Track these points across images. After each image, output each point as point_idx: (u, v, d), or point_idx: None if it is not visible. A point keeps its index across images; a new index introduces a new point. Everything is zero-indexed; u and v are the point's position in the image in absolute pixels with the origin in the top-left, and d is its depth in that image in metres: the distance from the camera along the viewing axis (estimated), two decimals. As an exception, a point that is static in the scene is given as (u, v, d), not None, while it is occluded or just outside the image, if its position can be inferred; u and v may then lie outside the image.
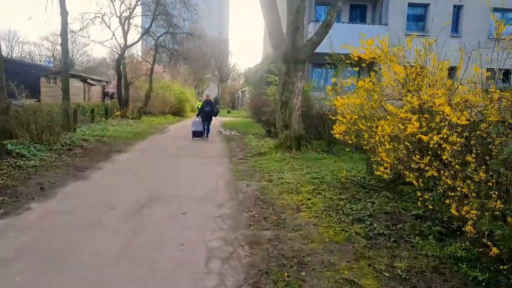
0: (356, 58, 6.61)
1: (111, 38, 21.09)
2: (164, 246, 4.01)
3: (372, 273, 3.44)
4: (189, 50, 32.42)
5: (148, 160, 9.58)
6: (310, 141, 10.92)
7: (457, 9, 19.30)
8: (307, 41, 10.45)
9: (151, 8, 22.42)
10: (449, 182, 3.82)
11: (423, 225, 4.53)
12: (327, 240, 4.23)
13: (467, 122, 3.96)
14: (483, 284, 3.23)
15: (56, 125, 11.00)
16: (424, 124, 4.03)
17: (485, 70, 4.46)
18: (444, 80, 4.75)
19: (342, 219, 4.89)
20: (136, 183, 6.89)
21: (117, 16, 20.64)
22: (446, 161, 3.93)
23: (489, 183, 3.60)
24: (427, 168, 3.94)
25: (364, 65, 6.23)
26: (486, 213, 3.60)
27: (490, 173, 3.77)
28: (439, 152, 3.98)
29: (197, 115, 15.35)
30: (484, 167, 3.72)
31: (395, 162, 4.80)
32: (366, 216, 4.96)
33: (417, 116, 4.12)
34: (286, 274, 3.37)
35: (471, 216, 3.53)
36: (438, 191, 4.48)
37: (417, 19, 19.06)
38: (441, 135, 3.87)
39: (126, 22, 21.28)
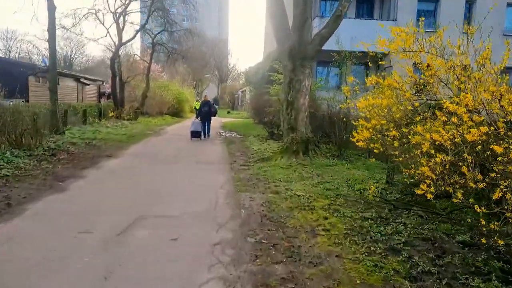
0: (373, 54, 5.82)
1: (106, 36, 20.01)
2: (145, 292, 3.05)
3: None
4: (188, 49, 31.43)
5: (140, 167, 8.60)
6: (318, 145, 9.95)
7: (469, 4, 18.35)
8: (315, 35, 9.48)
9: (147, 4, 21.43)
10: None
11: (477, 259, 3.56)
12: (358, 281, 3.26)
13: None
14: None
15: (41, 127, 10.06)
16: (488, 131, 3.07)
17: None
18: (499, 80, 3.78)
19: (372, 248, 3.91)
20: (122, 197, 5.91)
21: (111, 12, 19.67)
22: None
23: None
24: (494, 188, 2.97)
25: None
26: None
27: None
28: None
29: (197, 116, 15.08)
30: None
31: (435, 177, 3.83)
32: (401, 244, 3.99)
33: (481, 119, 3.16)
34: None
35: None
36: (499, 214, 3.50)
37: (427, 15, 18.10)
38: None
39: (121, 19, 20.33)
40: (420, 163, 3.72)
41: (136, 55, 24.94)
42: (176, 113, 30.33)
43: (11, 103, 10.67)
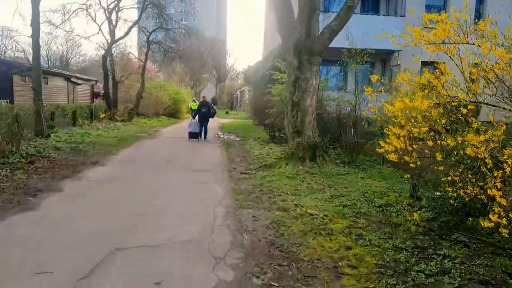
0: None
1: (98, 33, 18.95)
2: None
3: None
4: (185, 48, 30.45)
5: (127, 177, 7.63)
6: (326, 150, 9.00)
7: (480, -1, 17.44)
8: (324, 27, 8.51)
9: (142, -1, 20.43)
10: None
11: None
12: None
13: None
14: None
15: (21, 130, 9.08)
16: None
17: None
18: None
19: (419, 298, 2.98)
20: (100, 219, 4.93)
21: (102, 7, 18.65)
22: None
23: None
24: None
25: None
26: None
27: None
28: None
29: (194, 117, 14.96)
30: None
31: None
32: (456, 291, 3.05)
33: None
34: None
35: None
36: None
37: (437, 10, 17.18)
38: None
39: (114, 14, 19.32)
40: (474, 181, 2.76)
41: (130, 53, 23.92)
42: (173, 114, 29.31)
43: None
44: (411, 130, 3.67)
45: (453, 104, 3.51)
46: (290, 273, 3.48)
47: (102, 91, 27.35)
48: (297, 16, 8.90)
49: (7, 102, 14.14)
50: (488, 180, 2.87)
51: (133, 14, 22.25)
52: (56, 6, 24.37)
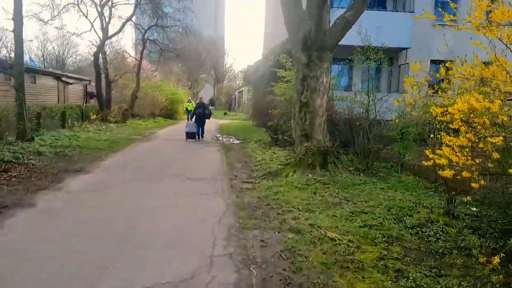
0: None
1: (90, 30, 17.97)
2: None
3: None
4: (183, 48, 29.46)
5: (113, 188, 6.67)
6: (338, 156, 8.08)
7: (492, -5, 16.58)
8: (337, 19, 7.59)
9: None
10: None
11: None
12: None
13: None
14: None
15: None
16: None
17: None
18: None
19: None
20: (69, 250, 3.97)
21: (94, 2, 17.65)
22: None
23: None
24: None
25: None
26: None
27: None
28: None
29: (191, 118, 15.21)
30: None
31: None
32: None
33: None
34: None
35: None
36: None
37: (446, 6, 16.33)
38: None
39: (107, 10, 18.36)
40: None
41: (125, 52, 22.90)
42: (170, 114, 28.30)
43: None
44: (475, 138, 2.75)
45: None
46: (317, 333, 2.56)
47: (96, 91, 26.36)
48: (306, 7, 8.00)
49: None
50: None
51: (129, 12, 21.18)
52: (45, 1, 23.00)
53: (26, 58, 42.22)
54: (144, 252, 3.87)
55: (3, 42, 33.70)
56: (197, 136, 14.35)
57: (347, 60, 14.08)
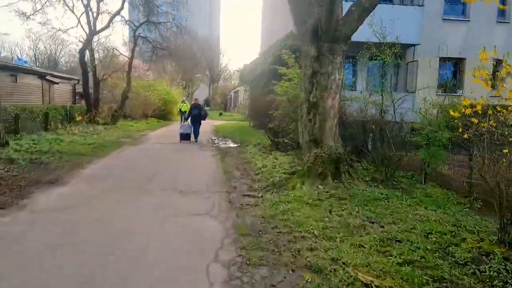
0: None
1: (76, 26, 16.81)
2: None
3: None
4: (177, 47, 28.36)
5: (90, 205, 5.59)
6: (352, 164, 7.05)
7: (503, -10, 15.69)
8: (351, 5, 6.57)
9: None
10: None
11: None
12: None
13: None
14: None
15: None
16: None
17: None
18: None
19: None
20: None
21: (79, -6, 16.50)
22: None
23: None
24: None
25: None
26: None
27: None
28: None
29: (186, 119, 14.73)
30: None
31: None
32: None
33: None
34: None
35: None
36: None
37: (455, 2, 15.42)
38: None
39: (95, 5, 17.21)
40: None
41: (115, 49, 21.71)
42: (163, 115, 27.15)
43: None
44: None
45: None
46: None
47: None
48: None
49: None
50: None
51: (115, 6, 20.03)
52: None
53: (14, 57, 40.75)
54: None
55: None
56: (191, 138, 13.84)
57: (350, 58, 13.15)
